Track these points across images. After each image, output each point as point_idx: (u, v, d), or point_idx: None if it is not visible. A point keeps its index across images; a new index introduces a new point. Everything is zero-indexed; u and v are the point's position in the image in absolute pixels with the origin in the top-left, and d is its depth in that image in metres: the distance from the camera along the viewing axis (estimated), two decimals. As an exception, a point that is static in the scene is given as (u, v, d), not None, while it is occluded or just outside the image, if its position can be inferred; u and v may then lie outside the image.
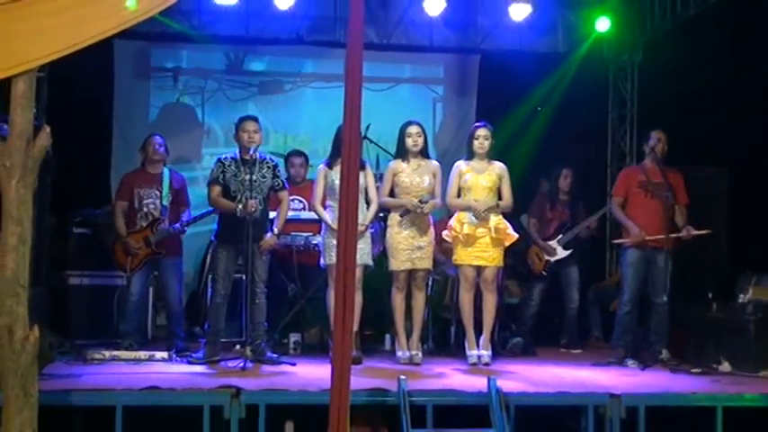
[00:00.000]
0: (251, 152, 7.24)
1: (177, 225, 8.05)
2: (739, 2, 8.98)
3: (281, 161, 8.39)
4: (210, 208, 7.98)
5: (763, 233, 9.06)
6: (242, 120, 7.45)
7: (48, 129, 4.36)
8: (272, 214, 7.55)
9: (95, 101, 10.19)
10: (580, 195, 9.10)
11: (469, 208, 7.38)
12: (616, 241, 7.89)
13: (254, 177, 7.21)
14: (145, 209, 8.00)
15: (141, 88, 10.76)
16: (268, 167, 7.39)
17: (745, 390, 6.59)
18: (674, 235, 7.64)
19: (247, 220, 7.01)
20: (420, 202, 7.32)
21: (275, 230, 7.44)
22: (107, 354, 7.39)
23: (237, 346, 7.50)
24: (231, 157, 7.35)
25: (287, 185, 7.62)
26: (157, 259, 7.99)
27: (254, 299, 7.27)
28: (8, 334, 4.21)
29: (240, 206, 7.09)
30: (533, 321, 8.93)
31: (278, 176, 7.46)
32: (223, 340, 7.55)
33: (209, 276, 8.43)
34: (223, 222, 7.35)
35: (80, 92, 9.38)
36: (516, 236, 7.60)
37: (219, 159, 7.41)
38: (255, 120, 7.44)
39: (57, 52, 4.18)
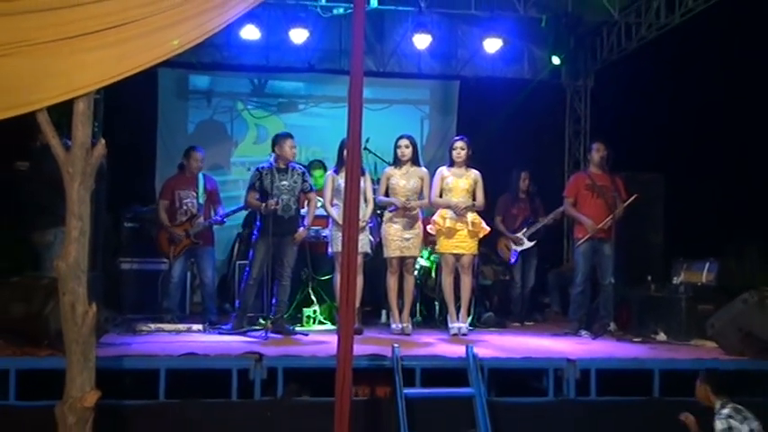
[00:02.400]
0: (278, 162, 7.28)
1: (218, 218, 8.09)
2: (672, 38, 9.04)
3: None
4: (240, 204, 8.11)
5: (692, 228, 9.09)
6: (286, 136, 7.41)
7: (103, 141, 4.35)
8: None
9: (142, 118, 10.23)
10: (536, 193, 9.09)
11: (451, 206, 7.40)
12: (579, 242, 7.85)
13: (286, 183, 7.23)
14: (184, 207, 8.01)
15: (180, 108, 10.78)
16: (298, 174, 7.39)
17: (678, 355, 6.63)
18: (616, 212, 7.62)
19: (275, 215, 7.06)
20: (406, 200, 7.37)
21: (306, 224, 7.47)
22: (152, 326, 7.40)
23: (260, 320, 7.50)
24: (267, 166, 7.32)
25: (313, 188, 7.61)
26: (194, 248, 8.00)
27: (281, 281, 7.28)
28: (71, 309, 4.21)
29: (263, 205, 7.11)
30: (519, 299, 8.93)
31: (306, 181, 7.45)
32: (248, 315, 7.56)
33: (237, 263, 8.47)
34: (263, 220, 7.25)
35: (130, 111, 9.40)
36: (489, 229, 7.65)
37: (258, 169, 7.37)
38: (293, 137, 7.46)
39: (112, 78, 4.18)
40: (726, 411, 5.02)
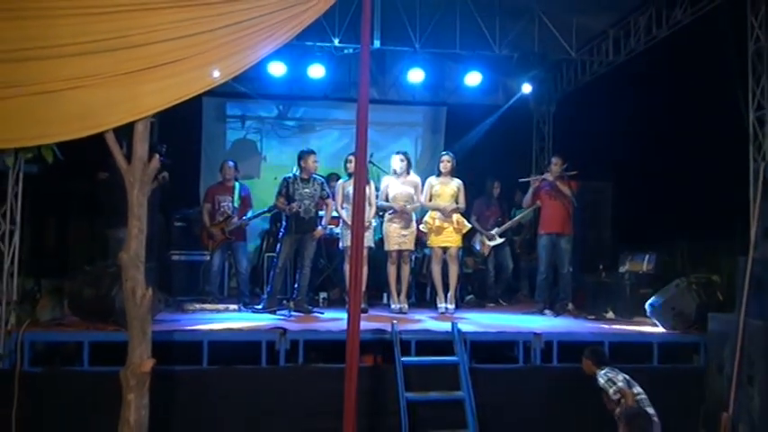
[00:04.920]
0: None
1: (244, 218, 8.07)
2: (619, 72, 9.07)
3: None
4: (265, 207, 8.18)
5: (635, 227, 9.08)
6: (310, 152, 7.37)
7: (157, 156, 4.36)
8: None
9: (189, 137, 10.20)
10: (505, 199, 9.13)
11: (439, 209, 7.40)
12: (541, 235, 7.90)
13: (308, 190, 7.23)
14: (221, 209, 8.02)
15: (220, 129, 10.76)
16: (318, 184, 7.37)
17: (624, 330, 6.65)
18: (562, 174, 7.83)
19: (297, 216, 7.08)
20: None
21: (323, 224, 7.45)
22: (197, 306, 7.43)
23: (285, 301, 7.52)
24: (293, 177, 7.31)
25: (330, 195, 7.57)
26: (230, 242, 8.00)
27: (302, 269, 7.28)
28: (132, 292, 4.23)
29: (287, 208, 7.12)
30: (494, 284, 8.95)
31: (325, 189, 7.43)
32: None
33: (266, 255, 8.46)
34: (288, 220, 7.24)
35: (179, 131, 9.37)
36: (470, 226, 7.69)
37: (285, 178, 7.34)
38: (316, 153, 7.43)
39: (165, 104, 4.20)
40: (603, 371, 5.27)
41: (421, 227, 7.58)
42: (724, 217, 7.46)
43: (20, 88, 3.95)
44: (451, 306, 7.41)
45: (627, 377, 5.22)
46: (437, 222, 7.40)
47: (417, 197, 7.50)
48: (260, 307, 7.29)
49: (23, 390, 5.28)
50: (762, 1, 6.33)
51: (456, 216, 7.42)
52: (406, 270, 7.52)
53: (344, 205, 7.35)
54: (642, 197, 9.31)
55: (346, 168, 7.48)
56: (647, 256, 7.75)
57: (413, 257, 7.95)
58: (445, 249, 7.45)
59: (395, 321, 6.00)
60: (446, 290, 7.49)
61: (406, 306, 7.46)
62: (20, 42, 3.93)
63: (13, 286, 5.74)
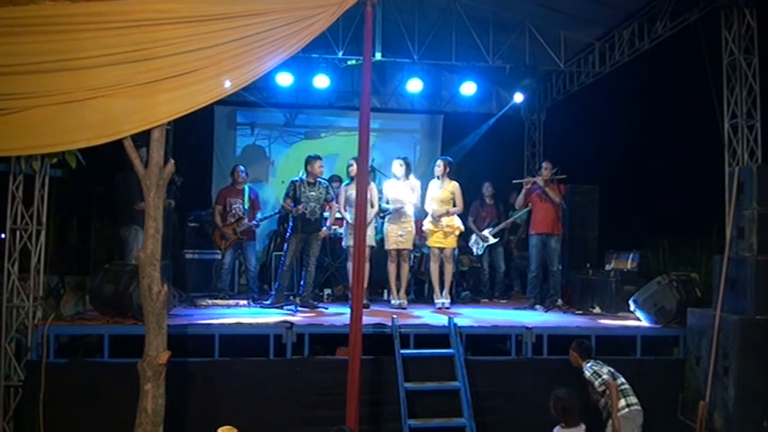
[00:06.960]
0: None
1: (255, 221, 8.08)
2: (604, 83, 9.11)
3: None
4: (274, 210, 8.25)
5: (620, 227, 9.10)
6: (316, 158, 7.33)
7: (172, 161, 4.37)
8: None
9: (202, 143, 10.22)
10: (499, 200, 9.14)
11: (434, 212, 7.41)
12: (531, 235, 7.90)
13: (314, 193, 7.23)
14: (233, 210, 8.03)
15: (230, 136, 10.77)
16: (323, 187, 7.36)
17: (609, 324, 6.64)
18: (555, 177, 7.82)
19: (304, 217, 7.08)
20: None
21: (328, 225, 7.46)
22: (209, 301, 7.43)
23: (291, 297, 7.53)
24: (300, 180, 7.30)
25: (334, 198, 7.56)
26: (240, 242, 8.01)
27: (307, 267, 7.28)
28: (148, 289, 4.23)
29: (294, 209, 7.13)
30: (488, 281, 8.93)
31: (329, 193, 7.41)
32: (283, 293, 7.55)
33: (274, 253, 8.47)
34: (295, 221, 7.23)
35: (193, 138, 9.40)
36: (464, 228, 7.67)
37: (293, 181, 7.32)
38: (322, 158, 7.42)
39: (180, 113, 4.20)
40: (589, 364, 5.24)
41: (423, 228, 7.58)
42: (702, 218, 7.48)
43: (47, 98, 3.98)
44: (447, 301, 7.41)
45: (611, 369, 5.21)
46: (432, 225, 7.41)
47: (416, 200, 7.50)
48: (268, 302, 7.29)
49: (49, 379, 5.30)
50: (734, 18, 6.37)
51: (446, 219, 7.42)
52: (405, 268, 7.52)
53: (348, 208, 7.36)
54: (627, 199, 9.33)
55: (348, 172, 7.48)
56: (631, 255, 7.76)
57: (411, 256, 7.96)
58: (441, 249, 7.45)
59: (395, 316, 6.01)
60: (442, 287, 7.49)
61: (406, 302, 7.47)
62: (48, 55, 3.95)
63: (39, 283, 5.76)
